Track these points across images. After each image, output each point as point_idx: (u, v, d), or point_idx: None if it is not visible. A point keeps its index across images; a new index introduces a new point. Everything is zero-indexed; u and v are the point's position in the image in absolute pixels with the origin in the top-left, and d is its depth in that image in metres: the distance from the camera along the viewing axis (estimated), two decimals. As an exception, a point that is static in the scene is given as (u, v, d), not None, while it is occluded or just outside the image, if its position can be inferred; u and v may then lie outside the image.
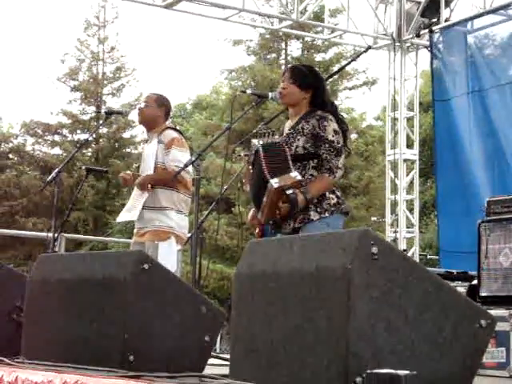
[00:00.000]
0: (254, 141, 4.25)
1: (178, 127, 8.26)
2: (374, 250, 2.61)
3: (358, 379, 2.47)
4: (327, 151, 4.29)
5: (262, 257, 3.01)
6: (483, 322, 2.71)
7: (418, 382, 2.38)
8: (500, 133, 10.07)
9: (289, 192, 4.06)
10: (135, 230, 5.75)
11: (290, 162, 4.13)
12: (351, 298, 2.55)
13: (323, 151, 4.29)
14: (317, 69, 4.85)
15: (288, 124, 4.55)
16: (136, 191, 5.75)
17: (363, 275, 2.58)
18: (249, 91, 4.67)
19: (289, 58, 22.25)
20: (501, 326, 5.51)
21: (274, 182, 4.04)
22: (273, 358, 2.79)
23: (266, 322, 2.86)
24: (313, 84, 4.45)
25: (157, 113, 5.78)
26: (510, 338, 5.45)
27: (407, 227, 10.67)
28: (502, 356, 5.47)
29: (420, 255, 11.36)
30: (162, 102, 5.84)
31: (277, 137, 4.29)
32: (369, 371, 2.42)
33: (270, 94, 4.61)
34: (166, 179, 5.55)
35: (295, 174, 4.09)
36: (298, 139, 4.34)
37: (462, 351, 2.67)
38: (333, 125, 4.33)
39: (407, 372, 2.37)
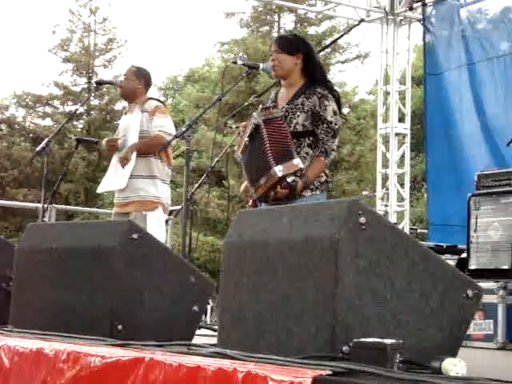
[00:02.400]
0: (255, 114, 4.22)
1: (169, 99, 8.23)
2: (362, 220, 2.61)
3: (345, 348, 2.48)
4: (325, 132, 4.28)
5: (251, 226, 3.02)
6: (470, 293, 2.72)
7: (404, 351, 2.40)
8: (489, 107, 10.07)
9: (290, 179, 4.07)
10: (116, 201, 5.71)
11: (292, 143, 4.11)
12: (339, 268, 2.56)
13: (321, 131, 4.28)
14: (303, 35, 4.84)
15: (283, 95, 4.50)
16: (115, 159, 5.72)
17: (351, 245, 2.59)
18: (240, 62, 4.63)
19: (281, 30, 22.14)
20: (489, 299, 5.56)
21: (278, 170, 4.03)
22: (260, 326, 2.80)
23: (253, 291, 2.87)
24: (301, 47, 4.42)
25: (136, 85, 5.81)
26: (497, 310, 5.49)
27: (398, 201, 10.69)
28: (489, 328, 5.52)
29: (410, 229, 11.40)
30: (141, 74, 5.85)
31: (275, 110, 4.24)
32: (355, 340, 2.44)
33: (262, 65, 4.59)
34: (150, 145, 5.53)
35: (298, 161, 4.09)
36: (298, 116, 4.31)
37: (449, 321, 2.69)
38: (333, 105, 4.31)
39: (393, 341, 2.39)
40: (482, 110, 10.14)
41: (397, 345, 2.37)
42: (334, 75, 22.13)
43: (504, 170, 7.00)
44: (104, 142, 5.85)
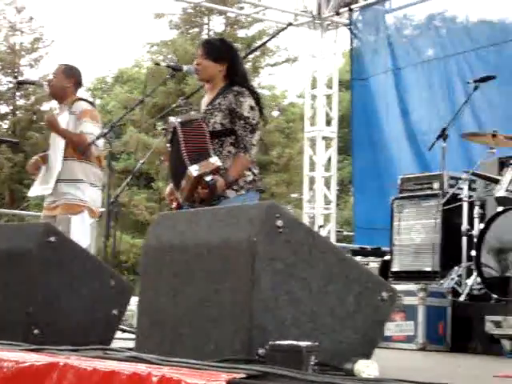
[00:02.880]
0: (172, 118, 4.21)
1: (97, 100, 8.13)
2: (280, 222, 2.62)
3: (261, 350, 2.49)
4: (242, 128, 4.28)
5: (169, 229, 3.00)
6: (385, 295, 2.76)
7: (319, 353, 2.41)
8: (413, 112, 10.25)
9: (208, 179, 4.05)
10: (45, 204, 5.64)
11: (209, 143, 4.11)
12: (255, 271, 2.57)
13: (238, 127, 4.29)
14: (230, 41, 4.83)
15: (205, 100, 4.52)
16: (46, 165, 5.65)
17: (268, 248, 2.60)
18: (163, 63, 4.62)
19: (211, 33, 22.12)
20: (410, 300, 5.66)
21: (194, 170, 4.01)
22: (177, 330, 2.79)
23: (171, 294, 2.85)
24: (226, 56, 4.42)
25: (65, 84, 5.68)
26: (417, 311, 5.58)
27: (325, 204, 10.79)
28: (410, 329, 5.61)
29: (337, 231, 11.52)
30: (70, 73, 5.73)
31: (193, 112, 4.25)
32: (271, 343, 2.45)
33: (185, 67, 4.58)
34: (76, 142, 5.44)
35: (214, 160, 4.07)
36: (216, 115, 4.32)
37: (364, 323, 2.72)
38: (249, 100, 4.32)
39: (309, 343, 2.40)
40: (406, 115, 10.32)
41: (312, 347, 2.39)
42: (264, 78, 22.23)
43: (426, 174, 7.15)
44: (28, 167, 5.78)
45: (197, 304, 2.73)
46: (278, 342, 2.45)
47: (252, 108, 4.32)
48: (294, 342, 2.41)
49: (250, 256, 2.58)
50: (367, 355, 2.69)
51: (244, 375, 2.13)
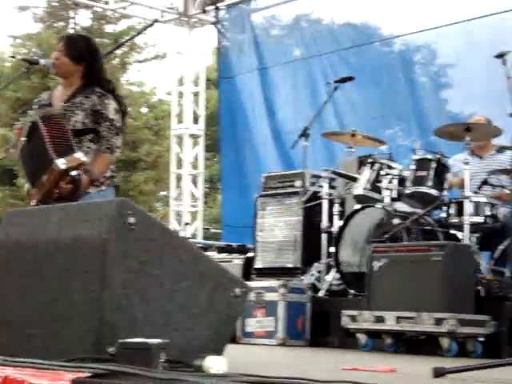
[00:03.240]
0: (31, 112, 4.09)
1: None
2: (132, 220, 2.60)
3: (111, 349, 2.45)
4: (108, 129, 4.25)
5: (19, 227, 2.92)
6: (238, 291, 2.79)
7: (171, 350, 2.40)
8: (279, 111, 10.40)
9: (73, 173, 3.97)
10: None
11: (72, 138, 4.03)
12: (106, 268, 2.54)
13: (104, 129, 4.25)
14: (95, 41, 4.75)
15: (59, 93, 4.42)
16: None
17: (119, 245, 2.57)
18: (19, 57, 4.49)
19: (78, 27, 21.69)
20: (271, 297, 5.75)
21: (62, 163, 3.91)
22: (26, 331, 2.71)
23: (21, 293, 2.77)
24: (86, 56, 4.35)
25: None
26: (278, 307, 5.67)
27: (192, 201, 10.79)
28: (270, 325, 5.69)
29: (204, 229, 11.55)
30: None
31: (52, 108, 4.15)
32: (121, 341, 2.42)
33: (42, 61, 4.46)
34: None
35: (80, 155, 4.00)
36: (77, 114, 4.25)
37: (216, 319, 2.74)
38: (113, 103, 4.30)
39: (159, 341, 2.39)
40: (272, 114, 10.45)
41: (162, 344, 2.38)
42: (133, 74, 22.02)
43: (288, 172, 7.27)
44: None
45: (46, 303, 2.67)
46: (127, 340, 2.42)
47: (117, 111, 4.30)
48: (144, 340, 2.39)
49: (101, 254, 2.55)
50: (219, 351, 2.70)
51: (90, 374, 2.09)
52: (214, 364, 2.31)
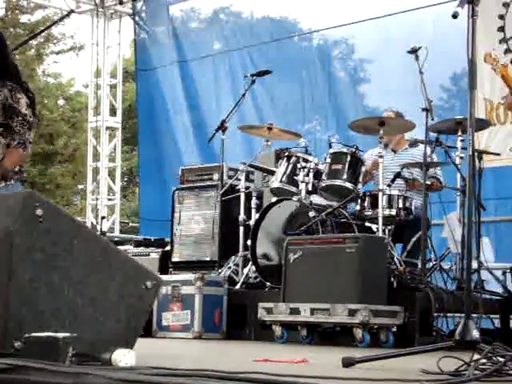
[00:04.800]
0: None
1: None
2: (39, 212, 2.55)
3: (17, 343, 2.41)
4: (20, 124, 4.17)
5: None
6: (149, 284, 2.76)
7: (80, 344, 2.37)
8: (201, 104, 10.37)
9: None
10: None
11: None
12: (13, 261, 2.48)
13: (16, 123, 4.17)
14: (4, 34, 4.64)
15: None
16: None
17: (26, 238, 2.52)
18: None
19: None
20: (187, 290, 5.73)
21: None
22: None
23: None
24: None
25: None
26: (194, 301, 5.66)
27: (109, 195, 10.67)
28: (187, 318, 5.68)
29: (122, 223, 11.45)
30: None
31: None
32: (27, 335, 2.37)
33: None
34: None
35: None
36: (-12, 108, 4.16)
37: (127, 312, 2.71)
38: (25, 98, 4.22)
39: (66, 334, 2.36)
40: (193, 107, 10.42)
41: (70, 338, 2.34)
42: (49, 66, 21.60)
43: (206, 165, 7.26)
44: None
45: (-50, 298, 2.59)
46: (34, 335, 2.38)
47: (28, 105, 4.23)
48: (51, 334, 2.35)
49: (7, 246, 2.49)
50: (130, 344, 2.68)
51: (-7, 369, 2.04)
52: (123, 357, 2.29)
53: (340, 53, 10.39)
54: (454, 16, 3.05)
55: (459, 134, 5.72)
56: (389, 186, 5.81)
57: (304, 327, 5.12)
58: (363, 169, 6.04)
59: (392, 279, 5.15)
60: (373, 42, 9.69)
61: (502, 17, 7.44)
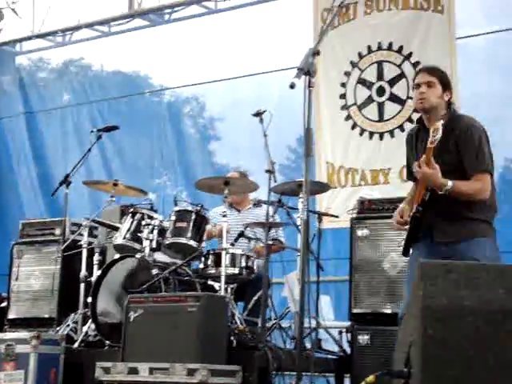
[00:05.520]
0: None
1: None
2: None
3: None
4: None
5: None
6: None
7: None
8: (47, 157, 10.20)
9: None
10: None
11: None
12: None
13: None
14: None
15: None
16: None
17: None
18: None
19: None
20: (22, 349, 5.52)
21: None
22: None
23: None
24: None
25: None
26: (29, 360, 5.46)
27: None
28: (20, 378, 5.46)
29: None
30: None
31: None
32: None
33: None
34: None
35: None
36: None
37: None
38: None
39: None
40: (39, 159, 10.23)
41: None
42: None
43: (48, 220, 7.04)
44: None
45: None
46: None
47: None
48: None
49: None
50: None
51: None
52: None
53: (191, 110, 10.53)
54: (291, 86, 3.16)
55: (300, 195, 5.88)
56: (232, 244, 5.87)
57: (143, 387, 5.02)
58: (208, 227, 6.09)
59: (232, 338, 5.17)
60: (223, 101, 9.90)
61: (343, 85, 7.79)
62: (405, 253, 4.11)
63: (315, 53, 3.24)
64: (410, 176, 4.32)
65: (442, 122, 3.73)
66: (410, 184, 4.43)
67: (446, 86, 4.22)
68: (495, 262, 3.85)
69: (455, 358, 2.45)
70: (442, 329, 2.46)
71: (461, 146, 4.06)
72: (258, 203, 6.63)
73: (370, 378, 2.56)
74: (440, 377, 2.43)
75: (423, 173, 3.90)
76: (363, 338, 5.46)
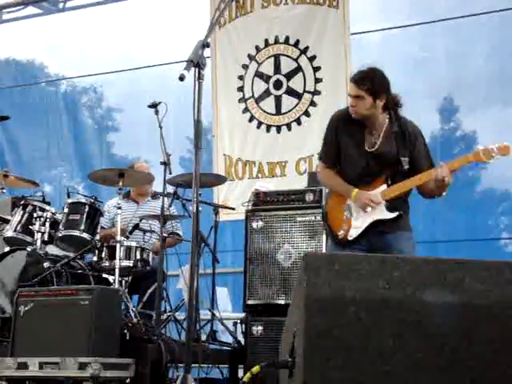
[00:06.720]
0: None
1: None
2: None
3: None
4: None
5: None
6: None
7: None
8: None
9: None
10: None
11: None
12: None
13: None
14: None
15: None
16: None
17: None
18: None
19: None
20: None
21: None
22: None
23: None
24: None
25: None
26: None
27: None
28: None
29: None
30: None
31: None
32: None
33: None
34: None
35: None
36: None
37: None
38: None
39: None
40: None
41: None
42: None
43: None
44: None
45: None
46: None
47: None
48: None
49: None
50: None
51: None
52: None
53: (89, 100, 10.36)
54: (181, 79, 3.15)
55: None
56: (127, 237, 5.82)
57: (33, 382, 4.93)
58: (102, 220, 6.02)
59: (125, 331, 5.12)
60: (122, 92, 9.79)
61: (241, 77, 7.81)
62: None
63: (205, 45, 3.24)
64: (329, 159, 4.40)
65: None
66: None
67: (377, 94, 4.27)
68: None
69: (337, 347, 2.50)
70: (325, 319, 2.51)
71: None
72: (154, 195, 6.60)
73: (255, 368, 2.58)
74: (322, 365, 2.47)
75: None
76: (257, 329, 5.51)
